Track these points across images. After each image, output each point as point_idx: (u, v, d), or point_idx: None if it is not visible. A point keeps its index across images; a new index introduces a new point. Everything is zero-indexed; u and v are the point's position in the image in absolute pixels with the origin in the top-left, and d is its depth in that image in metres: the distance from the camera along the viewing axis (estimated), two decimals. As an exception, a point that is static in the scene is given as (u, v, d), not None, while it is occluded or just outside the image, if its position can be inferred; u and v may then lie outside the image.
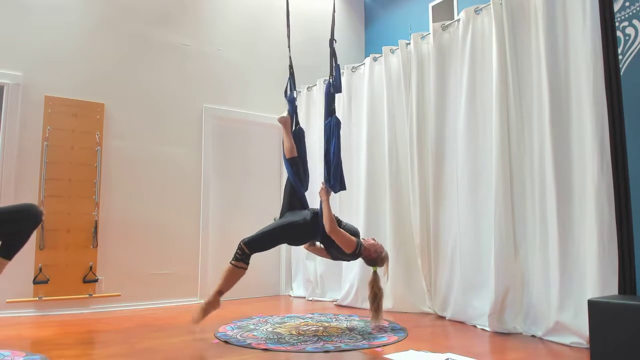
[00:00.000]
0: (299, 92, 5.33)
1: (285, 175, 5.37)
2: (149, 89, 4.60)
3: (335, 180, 3.16)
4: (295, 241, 3.45)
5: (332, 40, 3.40)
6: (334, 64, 3.32)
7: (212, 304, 3.11)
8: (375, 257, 3.28)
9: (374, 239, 3.37)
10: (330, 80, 3.30)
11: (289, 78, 3.72)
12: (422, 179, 3.98)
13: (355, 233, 3.32)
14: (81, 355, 2.70)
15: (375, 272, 3.31)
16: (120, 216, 4.31)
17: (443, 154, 3.81)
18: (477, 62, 3.57)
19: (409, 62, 4.22)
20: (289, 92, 3.72)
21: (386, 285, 3.77)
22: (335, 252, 3.29)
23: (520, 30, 3.34)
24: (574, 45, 2.99)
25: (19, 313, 3.79)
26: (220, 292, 3.11)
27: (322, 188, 3.27)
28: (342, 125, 3.47)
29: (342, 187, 3.23)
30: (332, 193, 3.30)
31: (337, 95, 4.94)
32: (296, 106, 3.72)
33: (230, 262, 3.12)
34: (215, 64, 5.00)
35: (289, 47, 3.77)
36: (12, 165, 3.93)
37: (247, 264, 3.14)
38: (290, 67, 3.72)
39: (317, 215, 3.26)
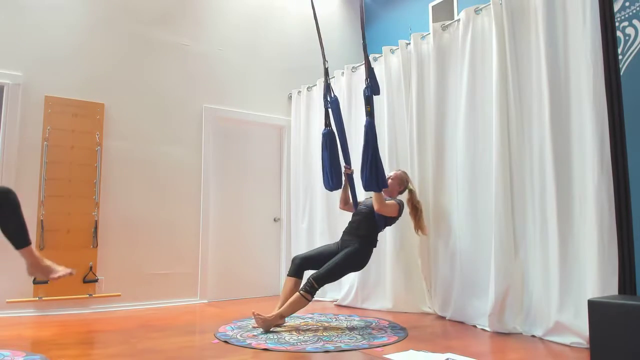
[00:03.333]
0: (299, 92, 5.34)
1: (283, 175, 5.39)
2: (149, 89, 4.60)
3: (370, 182, 3.22)
4: (361, 266, 3.56)
5: (364, 44, 3.41)
6: (368, 67, 3.34)
7: (274, 323, 3.28)
8: (403, 188, 3.68)
9: (389, 175, 3.66)
10: (367, 82, 3.30)
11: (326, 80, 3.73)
12: (422, 178, 3.97)
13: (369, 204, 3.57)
14: (81, 355, 2.70)
15: (410, 190, 3.69)
16: (120, 216, 4.31)
17: (443, 154, 3.81)
18: (477, 62, 3.56)
19: (409, 62, 4.22)
20: (330, 96, 3.69)
21: (386, 278, 4.12)
22: (388, 223, 3.61)
23: (520, 30, 3.34)
24: (574, 45, 2.99)
25: (19, 313, 3.79)
26: (282, 316, 3.31)
27: (345, 170, 3.60)
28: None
29: (379, 187, 3.29)
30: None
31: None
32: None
33: (300, 292, 3.29)
34: (215, 64, 5.00)
35: (321, 44, 3.78)
36: (12, 165, 3.93)
37: (313, 296, 3.32)
38: (326, 70, 3.75)
39: (371, 213, 3.51)
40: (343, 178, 3.68)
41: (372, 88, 3.28)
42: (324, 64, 3.73)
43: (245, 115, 5.16)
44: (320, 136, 3.75)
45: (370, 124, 3.24)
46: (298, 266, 3.53)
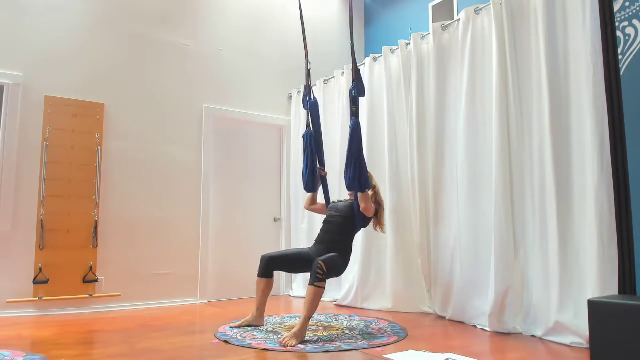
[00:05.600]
0: (299, 92, 5.34)
1: (283, 175, 5.39)
2: (149, 89, 4.60)
3: (353, 182, 3.16)
4: (339, 273, 3.40)
5: (352, 45, 3.40)
6: (355, 68, 3.33)
7: (304, 331, 2.99)
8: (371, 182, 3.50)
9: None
10: (353, 83, 3.30)
11: (308, 81, 3.79)
12: (422, 178, 3.97)
13: (350, 203, 3.49)
14: (81, 355, 2.70)
15: (374, 187, 3.49)
16: (120, 216, 4.31)
17: (443, 154, 3.81)
18: (477, 62, 3.56)
19: (409, 62, 4.22)
20: (309, 98, 3.73)
21: (386, 278, 4.11)
22: (366, 224, 3.48)
23: (520, 30, 3.34)
24: (574, 45, 2.99)
25: (19, 313, 3.79)
26: (308, 319, 3.00)
27: (319, 172, 3.56)
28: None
29: (362, 188, 3.20)
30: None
31: (336, 95, 4.99)
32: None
33: (315, 284, 3.00)
34: (215, 64, 5.00)
35: (305, 49, 3.84)
36: (12, 165, 3.93)
37: (326, 282, 3.07)
38: (308, 72, 3.79)
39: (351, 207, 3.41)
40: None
41: (358, 89, 3.28)
42: (307, 65, 3.77)
43: (245, 115, 5.16)
44: (301, 138, 3.81)
45: (355, 124, 3.22)
46: (267, 265, 3.35)
